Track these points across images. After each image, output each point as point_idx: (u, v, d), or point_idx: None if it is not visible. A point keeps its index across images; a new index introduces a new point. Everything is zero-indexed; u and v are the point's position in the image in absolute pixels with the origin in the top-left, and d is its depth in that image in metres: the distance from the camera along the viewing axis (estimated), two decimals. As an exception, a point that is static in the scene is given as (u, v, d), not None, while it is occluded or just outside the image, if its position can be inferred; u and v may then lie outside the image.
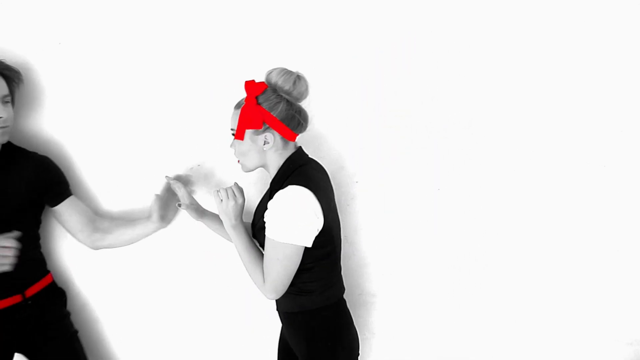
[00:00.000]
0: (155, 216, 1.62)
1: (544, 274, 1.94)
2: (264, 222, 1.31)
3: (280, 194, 1.25)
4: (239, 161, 1.37)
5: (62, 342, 1.62)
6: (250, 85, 1.28)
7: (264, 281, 1.31)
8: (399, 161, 1.80)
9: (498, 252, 1.91)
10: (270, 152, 1.33)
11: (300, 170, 1.31)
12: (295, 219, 1.23)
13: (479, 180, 1.83)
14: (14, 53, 1.60)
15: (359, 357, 1.51)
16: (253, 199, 1.74)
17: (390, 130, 1.77)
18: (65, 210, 1.61)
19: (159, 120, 1.73)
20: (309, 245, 1.28)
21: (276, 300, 1.45)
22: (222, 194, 1.32)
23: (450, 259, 1.92)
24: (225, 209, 1.32)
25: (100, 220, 1.69)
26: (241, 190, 1.36)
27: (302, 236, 1.25)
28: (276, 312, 1.52)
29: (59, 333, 1.62)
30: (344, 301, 1.49)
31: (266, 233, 1.27)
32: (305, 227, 1.24)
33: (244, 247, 1.35)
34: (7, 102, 1.45)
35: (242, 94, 1.35)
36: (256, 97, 1.27)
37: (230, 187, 1.34)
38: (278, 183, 1.31)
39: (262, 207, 1.41)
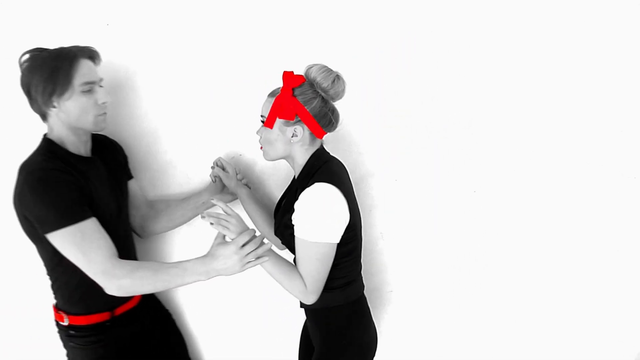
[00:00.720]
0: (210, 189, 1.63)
1: (544, 272, 1.94)
2: (289, 220, 1.30)
3: (307, 193, 1.24)
4: (261, 148, 1.36)
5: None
6: (288, 76, 1.27)
7: (305, 286, 1.28)
8: (398, 161, 1.80)
9: (498, 252, 1.91)
10: (297, 145, 1.32)
11: (325, 167, 1.30)
12: (325, 216, 1.23)
13: (479, 180, 1.83)
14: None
15: (374, 356, 1.48)
16: (270, 190, 1.78)
17: (390, 130, 1.77)
18: (130, 189, 1.59)
19: (206, 108, 1.73)
20: (337, 241, 1.27)
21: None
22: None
23: (450, 258, 1.91)
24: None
25: (154, 202, 1.68)
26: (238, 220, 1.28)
27: (334, 233, 1.25)
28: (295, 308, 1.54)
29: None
30: (364, 298, 1.49)
31: (297, 234, 1.26)
32: (336, 224, 1.24)
33: (273, 263, 1.28)
34: (101, 86, 1.37)
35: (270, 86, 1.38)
36: (292, 89, 1.27)
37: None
38: (304, 181, 1.30)
39: (287, 205, 1.39)
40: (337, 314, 1.38)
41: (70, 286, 1.35)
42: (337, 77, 1.29)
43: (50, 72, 1.22)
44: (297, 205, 1.25)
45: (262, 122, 1.33)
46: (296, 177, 1.37)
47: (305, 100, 1.26)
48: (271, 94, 1.32)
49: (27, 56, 1.27)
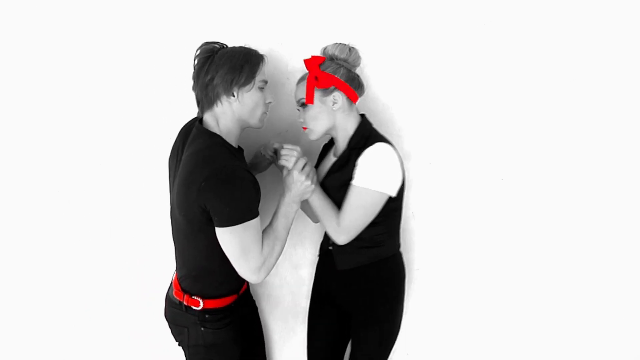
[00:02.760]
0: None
1: (571, 258, 2.02)
2: (335, 180, 1.47)
3: (371, 150, 1.40)
4: (304, 129, 1.49)
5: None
6: (310, 59, 1.44)
7: (338, 224, 1.43)
8: (433, 145, 1.90)
9: (525, 239, 2.00)
10: (339, 113, 1.45)
11: (376, 132, 1.49)
12: (386, 170, 1.40)
13: (507, 168, 1.93)
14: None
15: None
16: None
17: (428, 115, 1.87)
18: None
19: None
20: (394, 194, 1.44)
21: (339, 261, 1.56)
22: (306, 169, 1.41)
23: (478, 242, 2.01)
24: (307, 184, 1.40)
25: None
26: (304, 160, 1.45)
27: (391, 186, 1.42)
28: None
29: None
30: (401, 255, 1.66)
31: (355, 183, 1.41)
32: (394, 179, 1.42)
33: (320, 195, 1.45)
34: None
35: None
36: (319, 65, 1.43)
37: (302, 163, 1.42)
38: (359, 143, 1.45)
39: (334, 167, 1.51)
40: (385, 267, 1.55)
41: (216, 273, 1.41)
42: (350, 48, 1.46)
43: (241, 63, 1.33)
44: (361, 160, 1.40)
45: (302, 103, 1.45)
46: (344, 145, 1.49)
47: (334, 70, 1.42)
48: (301, 79, 1.48)
49: (213, 47, 1.37)
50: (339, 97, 1.42)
